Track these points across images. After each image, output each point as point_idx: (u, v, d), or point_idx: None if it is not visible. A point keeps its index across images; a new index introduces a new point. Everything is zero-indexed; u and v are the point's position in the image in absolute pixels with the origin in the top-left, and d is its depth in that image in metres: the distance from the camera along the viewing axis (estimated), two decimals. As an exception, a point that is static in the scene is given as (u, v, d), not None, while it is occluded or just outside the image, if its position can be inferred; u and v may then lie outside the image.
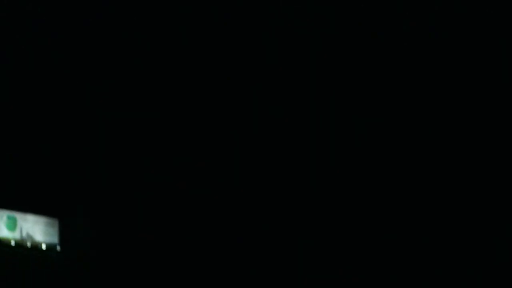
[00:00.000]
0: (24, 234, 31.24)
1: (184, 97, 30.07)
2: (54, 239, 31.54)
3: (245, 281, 23.67)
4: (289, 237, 18.10)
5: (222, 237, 29.96)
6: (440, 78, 22.49)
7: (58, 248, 30.30)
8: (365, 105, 24.21)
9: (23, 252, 30.06)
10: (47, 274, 29.46)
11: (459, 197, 19.97)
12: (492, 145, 19.88)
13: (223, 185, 28.83)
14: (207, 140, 29.53)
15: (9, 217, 31.35)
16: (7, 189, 30.06)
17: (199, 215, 29.57)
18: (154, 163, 29.83)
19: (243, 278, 25.13)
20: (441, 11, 21.24)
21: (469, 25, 21.14)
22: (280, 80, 26.65)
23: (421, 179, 20.96)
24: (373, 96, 23.56)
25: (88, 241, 29.42)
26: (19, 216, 31.55)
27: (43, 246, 30.87)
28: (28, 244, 30.64)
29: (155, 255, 29.03)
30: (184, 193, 29.35)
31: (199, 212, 29.46)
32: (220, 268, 29.20)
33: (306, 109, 26.12)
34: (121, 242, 28.98)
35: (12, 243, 30.24)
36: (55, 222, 32.42)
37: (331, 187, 19.35)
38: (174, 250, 29.01)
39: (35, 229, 31.48)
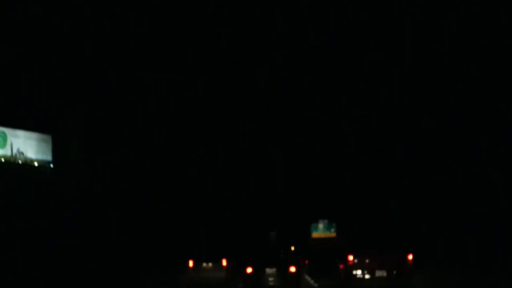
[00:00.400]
0: (15, 150, 30.76)
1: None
2: (47, 156, 32.40)
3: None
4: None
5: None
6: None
7: (52, 165, 32.06)
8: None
9: (14, 169, 30.29)
10: (39, 193, 30.29)
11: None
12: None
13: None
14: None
15: (-2, 133, 29.88)
16: (-5, 103, 29.27)
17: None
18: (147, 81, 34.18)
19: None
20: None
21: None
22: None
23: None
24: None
25: (84, 158, 32.62)
26: (9, 131, 31.07)
27: (35, 164, 32.15)
28: (19, 162, 31.30)
29: (149, 171, 34.30)
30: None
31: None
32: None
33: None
34: (117, 159, 33.19)
35: (2, 160, 30.08)
36: (48, 138, 33.23)
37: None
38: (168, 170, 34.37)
39: (27, 146, 31.37)
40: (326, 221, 48.69)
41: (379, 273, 21.42)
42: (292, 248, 25.04)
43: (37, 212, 30.17)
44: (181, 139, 32.65)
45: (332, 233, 49.25)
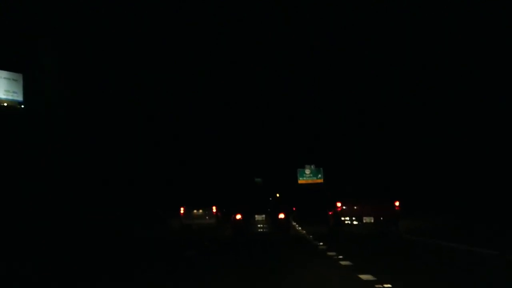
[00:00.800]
0: (-18, 90, 31.55)
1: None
2: (18, 96, 33.43)
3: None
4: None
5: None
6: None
7: (22, 106, 33.24)
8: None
9: (-18, 111, 31.03)
10: (9, 136, 31.49)
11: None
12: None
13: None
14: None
15: (-36, 72, 30.66)
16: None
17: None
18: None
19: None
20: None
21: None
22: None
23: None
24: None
25: (58, 98, 33.88)
26: (-24, 70, 31.68)
27: (5, 104, 33.30)
28: (-13, 102, 32.00)
29: (134, 114, 35.91)
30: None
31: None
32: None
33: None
34: (95, 99, 34.59)
35: (-31, 101, 30.83)
36: (19, 77, 34.23)
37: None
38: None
39: (-4, 86, 32.18)
40: (313, 166, 50.06)
41: (366, 220, 23.53)
42: (278, 195, 26.82)
43: (6, 156, 31.21)
44: (168, 88, 34.37)
45: (319, 179, 50.89)
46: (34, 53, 31.20)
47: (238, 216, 22.34)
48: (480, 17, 29.27)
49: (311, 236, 21.84)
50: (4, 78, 33.96)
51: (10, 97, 34.24)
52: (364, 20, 34.52)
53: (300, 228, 30.86)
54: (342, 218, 22.78)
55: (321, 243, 18.12)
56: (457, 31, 30.00)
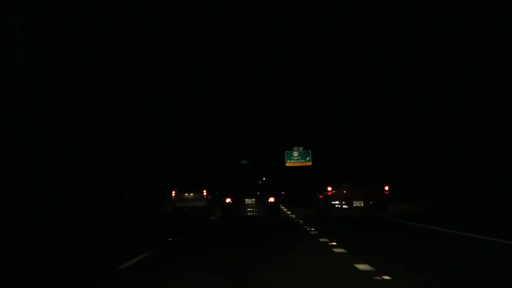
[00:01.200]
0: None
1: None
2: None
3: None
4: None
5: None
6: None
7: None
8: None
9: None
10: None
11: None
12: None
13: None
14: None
15: None
16: None
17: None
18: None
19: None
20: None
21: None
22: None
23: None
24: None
25: (33, 71, 34.41)
26: None
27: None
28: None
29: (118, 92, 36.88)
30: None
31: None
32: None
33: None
34: (75, 72, 35.34)
35: None
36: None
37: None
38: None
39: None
40: (301, 148, 50.59)
41: (356, 203, 24.86)
42: (264, 179, 27.81)
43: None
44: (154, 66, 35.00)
45: (308, 162, 51.58)
46: (5, 20, 31.08)
47: (228, 200, 23.41)
48: (480, 17, 30.68)
49: (308, 228, 21.86)
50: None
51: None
52: (364, 20, 36.11)
53: (291, 213, 32.06)
54: (332, 202, 24.07)
55: (323, 234, 17.48)
56: (457, 31, 31.42)
